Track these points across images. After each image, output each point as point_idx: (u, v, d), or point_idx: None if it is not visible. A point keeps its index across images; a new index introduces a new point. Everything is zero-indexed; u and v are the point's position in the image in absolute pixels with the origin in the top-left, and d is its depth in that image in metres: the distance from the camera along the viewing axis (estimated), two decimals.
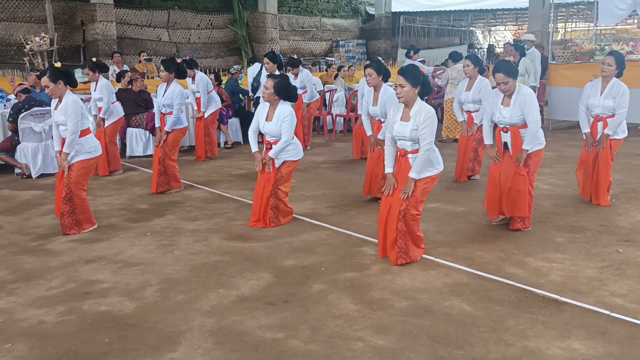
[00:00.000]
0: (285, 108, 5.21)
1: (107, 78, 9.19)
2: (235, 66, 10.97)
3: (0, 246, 4.97)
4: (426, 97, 4.52)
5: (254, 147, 5.36)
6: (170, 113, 6.62)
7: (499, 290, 3.87)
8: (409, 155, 4.29)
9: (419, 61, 12.01)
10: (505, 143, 5.06)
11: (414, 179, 4.21)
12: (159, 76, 10.21)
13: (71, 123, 5.09)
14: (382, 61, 7.35)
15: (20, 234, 5.30)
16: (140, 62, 13.39)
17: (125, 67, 11.91)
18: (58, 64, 5.33)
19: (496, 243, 4.80)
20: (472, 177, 7.12)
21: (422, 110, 4.22)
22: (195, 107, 8.91)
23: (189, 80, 8.69)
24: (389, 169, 4.43)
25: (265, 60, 7.65)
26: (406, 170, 4.26)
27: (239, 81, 10.97)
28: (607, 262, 4.33)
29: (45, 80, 5.15)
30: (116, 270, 4.34)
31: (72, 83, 5.34)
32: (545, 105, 11.56)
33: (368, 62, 7.94)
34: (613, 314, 3.48)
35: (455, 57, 10.20)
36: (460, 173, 7.04)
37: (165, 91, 6.72)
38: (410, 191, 4.21)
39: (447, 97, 9.87)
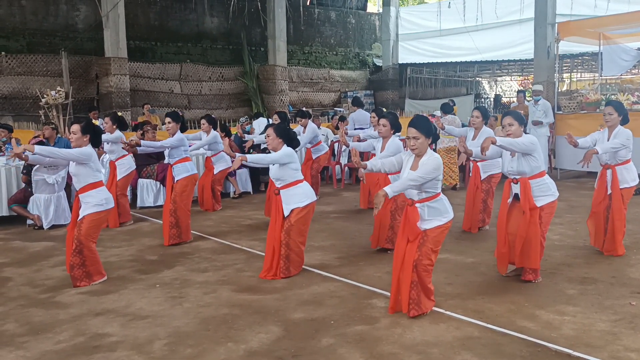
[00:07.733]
0: (284, 148, 5.34)
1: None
2: (242, 118, 11.19)
3: (10, 298, 4.99)
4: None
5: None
6: (177, 162, 6.72)
7: (510, 344, 3.82)
8: (417, 205, 4.29)
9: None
10: (516, 194, 5.08)
11: (386, 194, 4.11)
12: (161, 127, 10.45)
13: (76, 153, 5.14)
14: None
15: (30, 286, 5.32)
16: (143, 113, 13.50)
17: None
18: (96, 122, 5.46)
19: (507, 295, 4.75)
20: (482, 228, 7.11)
21: (431, 157, 4.22)
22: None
23: (203, 136, 8.86)
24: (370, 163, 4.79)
25: (275, 117, 7.99)
26: (414, 221, 4.25)
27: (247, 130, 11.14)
28: (620, 315, 4.27)
29: (76, 127, 5.25)
30: (125, 323, 4.33)
31: (96, 143, 5.44)
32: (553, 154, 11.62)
33: (374, 112, 8.10)
34: None
35: (445, 109, 10.32)
36: (470, 225, 7.03)
37: None
38: (380, 203, 4.12)
39: (439, 146, 9.96)
